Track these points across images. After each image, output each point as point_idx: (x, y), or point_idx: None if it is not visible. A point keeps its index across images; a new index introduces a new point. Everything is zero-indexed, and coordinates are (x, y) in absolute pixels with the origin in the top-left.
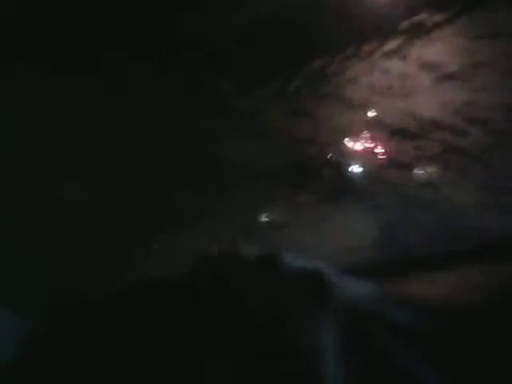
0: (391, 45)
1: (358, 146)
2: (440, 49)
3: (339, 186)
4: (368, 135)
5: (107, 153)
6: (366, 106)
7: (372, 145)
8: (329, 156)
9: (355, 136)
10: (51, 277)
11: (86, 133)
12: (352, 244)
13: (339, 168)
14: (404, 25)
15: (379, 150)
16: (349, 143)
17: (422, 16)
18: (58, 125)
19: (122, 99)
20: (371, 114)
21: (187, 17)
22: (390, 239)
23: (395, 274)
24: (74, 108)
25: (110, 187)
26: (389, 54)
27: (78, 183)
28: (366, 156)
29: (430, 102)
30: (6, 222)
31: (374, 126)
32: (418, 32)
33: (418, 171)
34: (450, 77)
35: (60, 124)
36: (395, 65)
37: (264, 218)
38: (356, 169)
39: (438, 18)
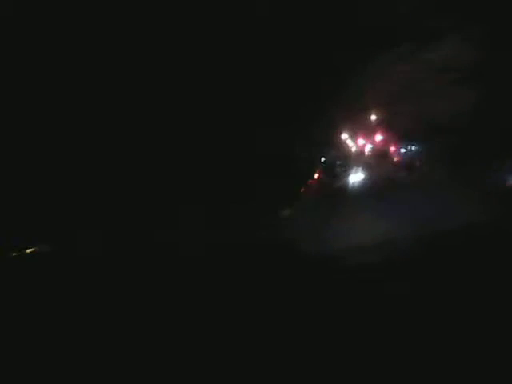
0: (403, 48)
1: (366, 147)
2: (451, 53)
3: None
4: (376, 138)
5: None
6: (374, 109)
7: (380, 147)
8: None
9: (363, 138)
10: None
11: None
12: None
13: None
14: (416, 29)
15: (387, 151)
16: (357, 145)
17: (434, 21)
18: None
19: None
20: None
21: None
22: None
23: None
24: None
25: None
26: (400, 58)
27: None
28: (374, 157)
29: (439, 105)
30: None
31: (382, 128)
32: (430, 36)
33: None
34: (461, 81)
35: None
36: (406, 68)
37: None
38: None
39: (449, 23)
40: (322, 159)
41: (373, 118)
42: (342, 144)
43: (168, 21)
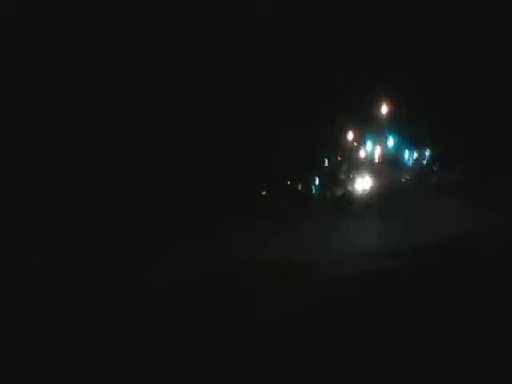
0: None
1: (376, 152)
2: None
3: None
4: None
5: None
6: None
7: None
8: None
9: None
10: None
11: None
12: None
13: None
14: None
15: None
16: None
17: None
18: None
19: None
20: None
21: None
22: None
23: None
24: None
25: None
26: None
27: None
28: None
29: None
30: None
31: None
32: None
33: None
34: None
35: None
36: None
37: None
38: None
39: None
40: (325, 163)
41: (383, 120)
42: (349, 148)
43: (167, 20)
